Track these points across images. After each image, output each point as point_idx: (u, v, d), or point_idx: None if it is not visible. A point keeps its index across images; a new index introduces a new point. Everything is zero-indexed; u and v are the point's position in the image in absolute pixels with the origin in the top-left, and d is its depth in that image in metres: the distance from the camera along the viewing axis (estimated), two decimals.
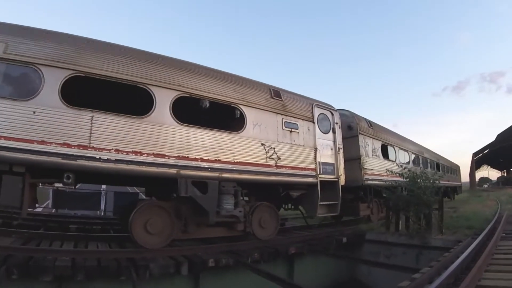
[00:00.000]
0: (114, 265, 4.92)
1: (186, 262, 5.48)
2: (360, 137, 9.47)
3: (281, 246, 7.05)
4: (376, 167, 9.73)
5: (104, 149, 5.18)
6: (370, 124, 10.29)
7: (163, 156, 5.67)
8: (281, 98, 7.49)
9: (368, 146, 9.70)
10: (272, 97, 7.32)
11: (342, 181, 8.49)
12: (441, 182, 16.53)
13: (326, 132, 8.46)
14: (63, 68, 5.11)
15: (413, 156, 13.20)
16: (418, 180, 8.14)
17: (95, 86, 5.61)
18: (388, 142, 11.10)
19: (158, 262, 5.30)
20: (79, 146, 5.02)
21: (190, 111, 6.29)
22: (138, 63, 5.71)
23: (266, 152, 6.89)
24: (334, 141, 8.59)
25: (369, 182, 9.35)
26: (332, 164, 8.39)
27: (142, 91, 5.76)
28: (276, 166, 7.00)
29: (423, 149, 15.80)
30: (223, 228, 6.99)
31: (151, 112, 5.71)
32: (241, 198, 6.81)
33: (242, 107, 6.75)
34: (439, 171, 18.01)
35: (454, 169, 23.31)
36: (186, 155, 5.91)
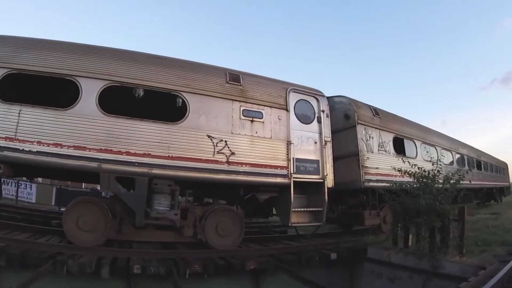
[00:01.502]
0: (34, 256, 4.77)
1: (107, 264, 4.84)
2: (360, 128, 7.51)
3: (238, 259, 5.78)
4: (384, 165, 7.59)
5: (27, 141, 5.01)
6: (376, 112, 8.17)
7: (84, 148, 5.13)
8: (239, 82, 6.22)
9: (372, 139, 7.67)
10: (227, 82, 6.11)
11: (329, 182, 6.75)
12: (482, 182, 13.71)
13: (307, 122, 6.86)
14: (1, 67, 5.15)
15: (444, 153, 10.35)
16: (428, 181, 6.03)
17: (29, 81, 5.46)
18: (404, 134, 8.73)
19: (77, 260, 4.80)
20: (6, 138, 4.98)
21: (123, 101, 5.58)
22: (65, 56, 5.39)
23: (214, 146, 5.72)
24: (320, 133, 6.91)
25: (371, 184, 7.34)
26: (315, 161, 6.75)
27: (71, 83, 5.35)
28: (228, 162, 5.76)
29: (458, 144, 12.63)
30: (171, 232, 6.03)
31: (76, 103, 5.28)
32: (187, 198, 5.84)
33: (184, 94, 5.72)
34: (481, 170, 14.49)
35: (500, 168, 19.25)
36: (110, 148, 5.21)
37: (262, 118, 6.25)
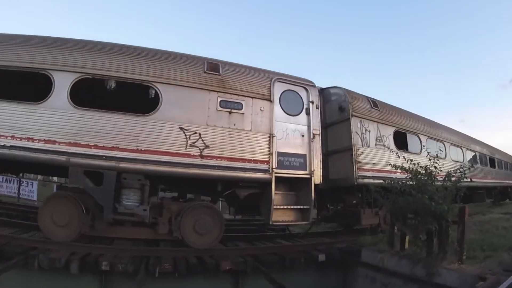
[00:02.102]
0: (10, 250, 4.86)
1: (77, 260, 4.77)
2: (354, 121, 6.87)
3: (215, 259, 5.44)
4: (382, 161, 6.94)
5: (2, 135, 5.01)
6: (375, 104, 7.47)
7: (54, 142, 5.05)
8: (218, 72, 5.87)
9: (369, 133, 7.01)
10: (205, 72, 5.78)
11: (317, 178, 6.24)
12: (496, 181, 12.84)
13: (294, 114, 6.37)
14: None
15: (453, 149, 9.42)
16: (424, 178, 5.38)
17: (7, 77, 5.47)
18: (406, 128, 7.95)
19: (47, 254, 4.80)
20: None
21: (96, 93, 5.44)
22: (39, 50, 5.36)
23: (186, 139, 5.41)
24: (308, 126, 6.41)
25: (366, 180, 6.70)
26: (302, 156, 6.26)
27: (45, 77, 5.31)
28: (201, 156, 5.43)
29: (469, 141, 11.75)
30: (147, 229, 5.82)
31: (48, 97, 5.21)
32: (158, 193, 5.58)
33: (157, 85, 5.47)
34: (494, 167, 13.54)
35: None
36: (78, 142, 5.09)
37: (241, 109, 5.86)
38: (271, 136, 5.96)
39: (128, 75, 5.41)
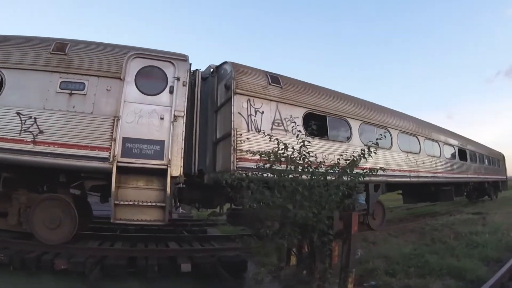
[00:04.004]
0: None
1: None
2: (238, 99, 5.34)
3: (64, 257, 5.11)
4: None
5: None
6: (275, 80, 5.65)
7: None
8: (64, 51, 5.48)
9: (261, 115, 5.36)
10: (50, 52, 5.49)
11: (175, 170, 5.21)
12: (467, 175, 10.85)
13: (153, 93, 5.48)
14: None
15: (404, 137, 6.42)
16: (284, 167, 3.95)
17: None
18: (325, 110, 5.78)
19: None
20: None
21: None
22: None
23: (21, 124, 5.23)
24: (171, 107, 5.42)
25: (250, 173, 5.15)
26: (159, 142, 5.32)
27: None
28: (34, 142, 5.15)
29: (428, 128, 9.14)
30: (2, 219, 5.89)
31: None
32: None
33: (3, 70, 5.45)
34: (466, 160, 11.40)
35: (495, 159, 16.79)
36: None
37: (83, 90, 5.36)
38: (115, 119, 5.26)
39: None
